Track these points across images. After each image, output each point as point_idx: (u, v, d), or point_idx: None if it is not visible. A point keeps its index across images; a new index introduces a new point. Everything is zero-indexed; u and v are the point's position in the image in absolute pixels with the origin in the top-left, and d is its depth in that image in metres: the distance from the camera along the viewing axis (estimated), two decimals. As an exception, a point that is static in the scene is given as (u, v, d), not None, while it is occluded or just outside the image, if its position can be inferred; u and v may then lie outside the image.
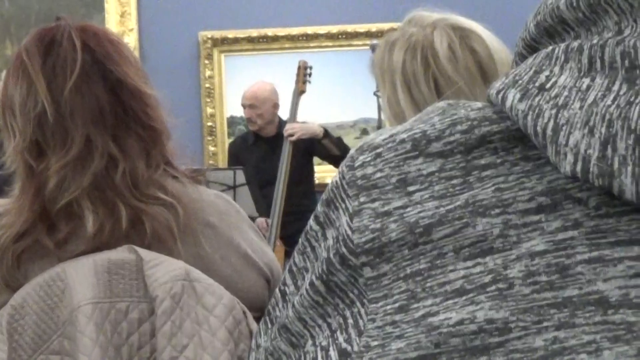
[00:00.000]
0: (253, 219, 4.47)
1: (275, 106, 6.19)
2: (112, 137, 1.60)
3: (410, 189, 0.78)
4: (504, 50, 1.87)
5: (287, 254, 5.78)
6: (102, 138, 1.59)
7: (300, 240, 0.91)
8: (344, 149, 5.96)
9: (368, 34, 6.65)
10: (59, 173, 1.56)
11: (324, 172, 6.46)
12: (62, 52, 1.61)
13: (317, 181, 6.37)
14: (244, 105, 6.23)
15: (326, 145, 6.01)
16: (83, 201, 1.55)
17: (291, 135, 5.93)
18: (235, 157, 6.32)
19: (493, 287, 0.70)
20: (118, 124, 1.61)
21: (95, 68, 1.62)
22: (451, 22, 1.87)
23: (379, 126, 5.48)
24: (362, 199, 0.80)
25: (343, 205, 0.82)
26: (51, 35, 1.63)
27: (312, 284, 0.86)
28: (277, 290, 0.94)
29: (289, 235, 5.74)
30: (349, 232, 0.80)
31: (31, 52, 1.62)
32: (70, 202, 1.55)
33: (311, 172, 6.32)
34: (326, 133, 5.98)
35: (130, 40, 6.58)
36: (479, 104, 0.80)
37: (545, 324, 0.68)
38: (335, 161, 6.10)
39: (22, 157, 1.60)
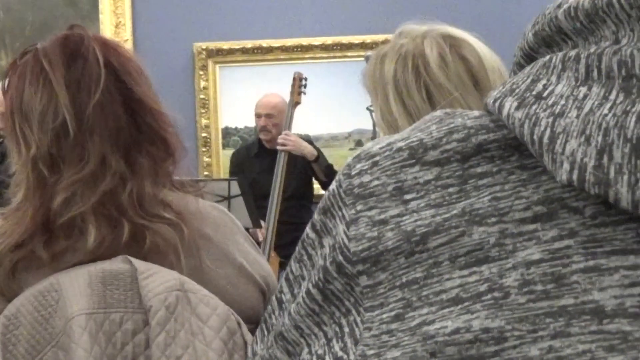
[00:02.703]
0: (247, 229, 4.47)
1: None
2: (125, 156, 1.60)
3: (407, 197, 0.78)
4: (494, 57, 1.88)
5: (282, 265, 5.79)
6: (115, 157, 1.59)
7: (297, 248, 0.90)
8: (331, 178, 6.00)
9: (362, 46, 6.67)
10: (69, 189, 1.56)
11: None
12: (88, 67, 1.60)
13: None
14: (259, 115, 6.25)
15: (315, 169, 6.09)
16: (88, 217, 1.54)
17: (283, 145, 5.96)
18: (238, 166, 6.35)
19: (489, 296, 0.70)
20: (132, 142, 1.61)
21: (117, 86, 1.62)
22: (441, 32, 1.87)
23: (374, 138, 5.49)
24: (358, 207, 0.80)
25: (340, 214, 0.82)
26: (74, 46, 1.63)
27: (308, 292, 0.85)
28: (273, 298, 0.94)
29: (285, 246, 5.74)
30: (346, 241, 0.80)
31: (53, 60, 1.60)
32: (75, 217, 1.55)
33: (310, 185, 6.35)
34: (317, 158, 6.03)
35: (125, 51, 6.57)
36: (476, 113, 0.80)
37: (540, 333, 0.68)
38: (320, 184, 6.17)
39: (35, 167, 1.59)
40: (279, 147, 5.96)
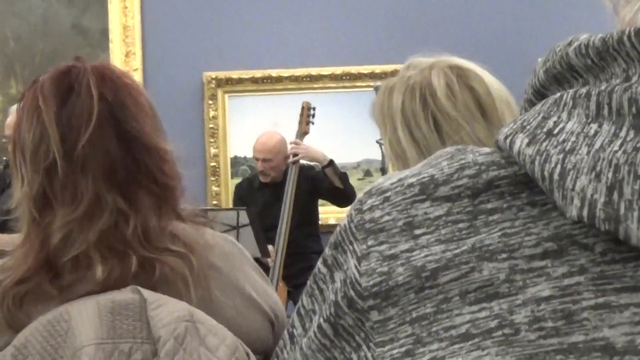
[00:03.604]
0: (256, 259, 4.47)
1: (287, 157, 6.17)
2: (122, 192, 1.59)
3: (417, 232, 0.78)
4: (502, 87, 1.88)
5: (290, 295, 5.77)
6: (111, 195, 1.57)
7: (308, 282, 0.91)
8: (347, 184, 5.98)
9: (371, 76, 6.67)
10: (64, 228, 1.55)
11: (328, 214, 6.46)
12: (79, 103, 1.58)
13: (320, 222, 6.37)
14: (257, 158, 6.24)
15: (329, 175, 6.01)
16: (92, 254, 1.53)
17: (294, 155, 5.98)
18: (241, 199, 6.33)
19: (499, 333, 0.70)
20: (128, 178, 1.60)
21: (111, 122, 1.60)
22: (448, 63, 1.88)
23: (383, 167, 5.50)
24: (369, 242, 0.81)
25: (351, 248, 0.83)
26: (69, 81, 1.61)
27: (319, 326, 0.86)
28: (285, 332, 0.94)
29: (292, 276, 5.73)
30: (357, 275, 0.80)
31: (47, 97, 1.59)
32: (78, 255, 1.54)
33: (315, 214, 6.33)
34: (330, 162, 6.00)
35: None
36: (487, 149, 0.81)
37: None
38: (336, 196, 6.09)
39: (27, 207, 1.59)
40: (291, 160, 5.99)
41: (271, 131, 6.34)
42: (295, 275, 5.72)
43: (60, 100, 1.59)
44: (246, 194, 6.33)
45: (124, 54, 6.87)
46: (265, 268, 5.33)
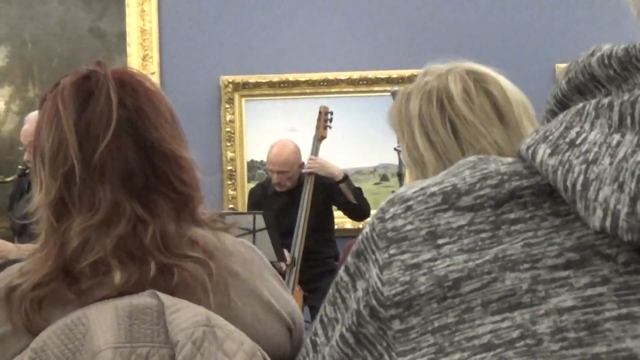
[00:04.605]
0: (272, 263, 4.46)
1: (301, 165, 6.19)
2: (140, 199, 1.59)
3: (440, 241, 0.78)
4: (519, 91, 1.89)
5: (306, 299, 5.77)
6: (129, 201, 1.57)
7: (330, 290, 0.91)
8: (361, 199, 5.98)
9: (389, 80, 6.68)
10: (82, 234, 1.55)
11: (345, 218, 6.45)
12: (98, 110, 1.58)
13: (337, 227, 6.36)
14: (271, 170, 6.22)
15: (343, 190, 6.02)
16: (110, 260, 1.53)
17: (309, 168, 5.99)
18: (256, 205, 6.29)
19: (521, 343, 0.70)
20: (147, 185, 1.60)
21: (129, 128, 1.60)
22: (465, 67, 1.89)
23: (399, 172, 5.50)
24: (392, 251, 0.81)
25: (373, 257, 0.83)
26: (88, 88, 1.61)
27: (342, 335, 0.86)
28: (307, 340, 0.94)
29: (308, 281, 5.73)
30: (379, 285, 0.80)
31: (67, 103, 1.59)
32: (96, 261, 1.54)
33: (331, 220, 6.33)
34: (345, 178, 5.99)
35: (152, 83, 6.61)
36: (509, 159, 0.81)
37: None
38: (350, 210, 6.11)
39: (45, 213, 1.59)
40: (305, 171, 5.99)
41: (283, 141, 6.30)
42: (311, 280, 5.73)
43: (79, 107, 1.59)
44: (260, 200, 6.32)
45: (141, 57, 6.88)
46: (279, 272, 5.33)
